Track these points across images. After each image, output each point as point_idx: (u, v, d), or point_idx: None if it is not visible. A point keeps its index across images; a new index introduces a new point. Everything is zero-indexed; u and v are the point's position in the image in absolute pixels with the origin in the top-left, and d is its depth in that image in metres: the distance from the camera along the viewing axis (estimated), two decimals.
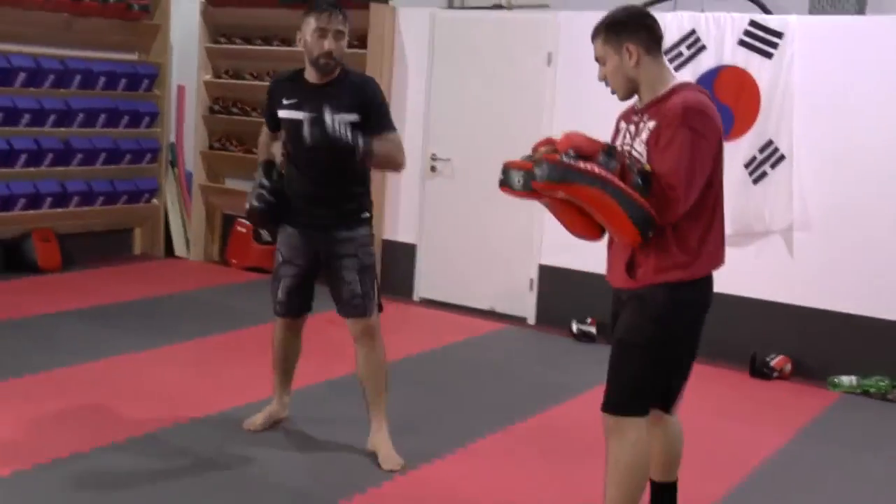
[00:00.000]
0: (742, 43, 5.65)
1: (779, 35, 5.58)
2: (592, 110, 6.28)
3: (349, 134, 3.59)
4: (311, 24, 3.74)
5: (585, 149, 2.89)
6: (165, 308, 6.41)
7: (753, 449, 4.41)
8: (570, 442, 4.41)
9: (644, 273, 2.98)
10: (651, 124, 2.95)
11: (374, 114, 3.79)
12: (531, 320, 6.56)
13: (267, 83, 7.44)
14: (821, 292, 5.57)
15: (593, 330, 6.16)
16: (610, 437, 3.05)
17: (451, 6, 7.28)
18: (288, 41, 7.58)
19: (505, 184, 3.02)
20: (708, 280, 3.05)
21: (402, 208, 7.12)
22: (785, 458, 4.35)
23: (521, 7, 6.89)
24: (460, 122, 6.82)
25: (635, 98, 3.09)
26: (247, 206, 3.96)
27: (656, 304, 2.98)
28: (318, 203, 3.86)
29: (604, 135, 6.59)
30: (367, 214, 3.95)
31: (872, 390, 5.34)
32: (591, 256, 6.29)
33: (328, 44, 3.72)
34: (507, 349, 6.02)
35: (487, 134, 6.64)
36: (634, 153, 2.97)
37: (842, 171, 5.52)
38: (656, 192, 2.85)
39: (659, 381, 3.07)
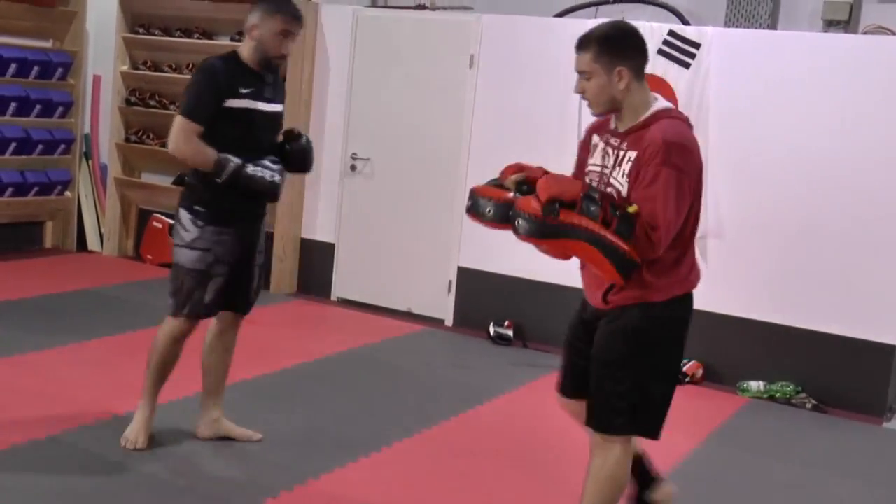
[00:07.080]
0: (661, 52, 5.72)
1: (696, 46, 5.68)
2: (513, 114, 6.36)
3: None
4: (275, 23, 3.72)
5: (567, 195, 2.76)
6: (75, 304, 6.22)
7: (664, 453, 4.44)
8: (486, 445, 4.41)
9: (618, 298, 2.97)
10: (631, 155, 2.88)
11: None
12: (449, 322, 6.56)
13: (187, 76, 7.43)
14: (732, 300, 5.69)
15: (510, 333, 6.18)
16: (595, 450, 3.06)
17: (374, 5, 7.24)
18: (209, 34, 7.45)
19: (473, 211, 2.97)
20: (683, 298, 3.01)
21: (320, 207, 7.05)
22: (695, 463, 4.43)
23: (444, 8, 6.89)
24: (381, 122, 6.78)
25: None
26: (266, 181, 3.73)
27: (632, 323, 2.95)
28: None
29: (524, 139, 6.57)
30: None
31: (778, 395, 5.48)
32: (509, 259, 6.36)
33: (287, 47, 3.79)
34: (424, 351, 6.01)
35: (408, 134, 6.62)
36: (615, 183, 2.92)
37: (752, 181, 5.64)
38: (638, 235, 2.78)
39: (651, 395, 3.01)
